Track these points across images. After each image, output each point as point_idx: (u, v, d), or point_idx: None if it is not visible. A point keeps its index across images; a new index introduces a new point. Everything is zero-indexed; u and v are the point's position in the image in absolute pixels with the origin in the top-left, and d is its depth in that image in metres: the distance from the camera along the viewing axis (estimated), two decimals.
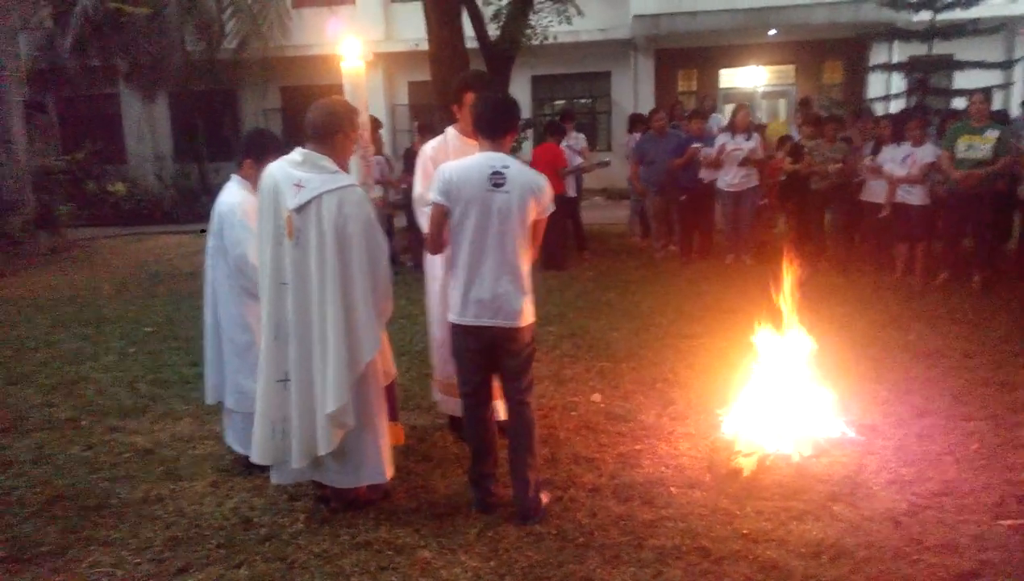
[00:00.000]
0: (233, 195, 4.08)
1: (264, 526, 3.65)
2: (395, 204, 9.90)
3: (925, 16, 13.04)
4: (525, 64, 13.28)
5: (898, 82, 15.40)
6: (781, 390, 4.37)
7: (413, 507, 3.77)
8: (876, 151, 8.33)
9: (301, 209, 3.38)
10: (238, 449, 4.21)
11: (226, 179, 4.24)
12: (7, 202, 12.12)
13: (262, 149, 4.06)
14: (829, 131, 8.69)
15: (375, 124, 9.63)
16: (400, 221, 10.22)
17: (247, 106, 19.85)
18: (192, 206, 16.25)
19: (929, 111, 11.73)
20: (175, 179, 18.72)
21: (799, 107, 11.79)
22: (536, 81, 18.75)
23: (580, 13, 12.89)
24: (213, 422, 4.83)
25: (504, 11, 11.58)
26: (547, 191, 3.52)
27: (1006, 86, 14.93)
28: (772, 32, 17.11)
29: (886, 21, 14.76)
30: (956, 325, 6.52)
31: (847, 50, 17.52)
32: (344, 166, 3.61)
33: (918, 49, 13.76)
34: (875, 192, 8.19)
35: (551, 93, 19.49)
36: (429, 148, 4.34)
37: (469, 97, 4.12)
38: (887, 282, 8.07)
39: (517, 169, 3.49)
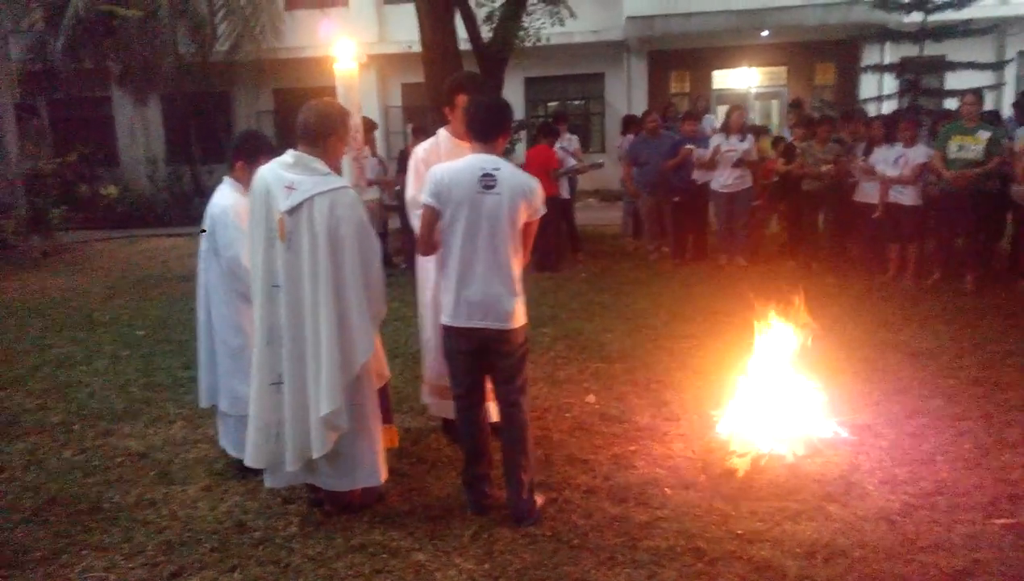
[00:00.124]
0: (226, 197, 4.07)
1: (258, 529, 3.64)
2: (390, 206, 9.89)
3: (917, 17, 13.10)
4: (518, 66, 13.29)
5: (890, 83, 15.46)
6: (774, 391, 4.38)
7: (407, 510, 3.77)
8: (868, 152, 8.36)
9: (293, 211, 3.37)
10: (232, 452, 4.20)
11: (219, 181, 4.23)
12: None
13: (254, 150, 4.05)
14: (822, 132, 8.71)
15: (370, 126, 9.62)
16: (394, 223, 10.20)
17: (240, 108, 19.81)
18: (185, 209, 16.21)
19: (922, 112, 11.77)
20: (168, 181, 18.67)
21: (790, 108, 11.82)
22: (529, 83, 18.77)
23: (573, 15, 12.91)
24: (206, 425, 4.82)
25: (497, 13, 11.58)
26: (538, 193, 3.52)
27: (997, 87, 15.00)
28: (764, 33, 17.16)
29: (878, 22, 14.82)
30: (948, 325, 6.54)
31: (839, 51, 17.58)
32: (336, 168, 3.60)
33: (910, 50, 13.83)
34: (868, 193, 8.21)
35: (544, 95, 19.50)
36: (421, 150, 4.34)
37: (461, 99, 4.12)
38: (880, 282, 8.10)
39: (508, 171, 3.48)
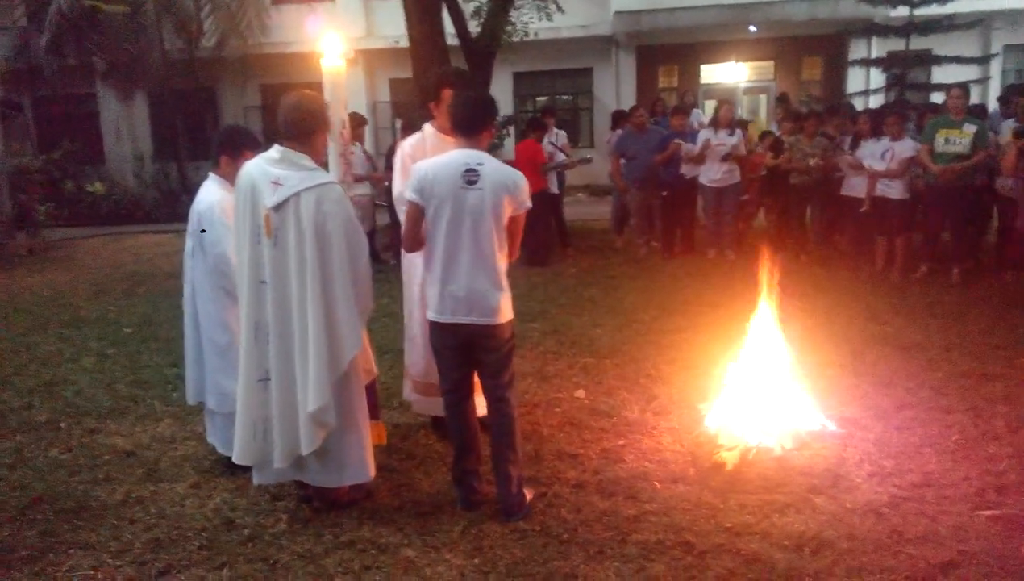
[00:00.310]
0: (211, 194, 4.04)
1: (246, 527, 3.63)
2: (379, 203, 9.88)
3: (903, 12, 13.15)
4: (506, 61, 13.26)
5: (877, 77, 15.51)
6: (763, 384, 4.39)
7: (396, 505, 3.76)
8: (855, 146, 8.39)
9: (279, 207, 3.35)
10: (220, 450, 4.18)
11: (205, 178, 4.20)
12: None
13: (238, 145, 4.03)
14: (809, 127, 8.74)
15: (360, 121, 9.61)
16: (382, 218, 10.18)
17: (227, 104, 19.71)
18: (172, 206, 16.11)
19: (909, 106, 11.82)
20: (155, 178, 18.56)
21: (777, 103, 11.85)
22: (518, 78, 18.73)
23: (560, 10, 12.89)
24: (194, 423, 4.80)
25: (484, 7, 11.55)
26: (522, 187, 3.50)
27: (983, 80, 15.08)
28: (752, 28, 17.18)
29: (864, 17, 14.87)
30: (936, 318, 6.57)
31: (826, 46, 17.62)
32: (322, 163, 3.58)
33: (896, 44, 13.87)
34: (855, 187, 8.24)
35: (533, 90, 19.48)
36: (407, 145, 4.32)
37: (447, 94, 4.11)
38: (867, 276, 8.13)
39: (491, 166, 3.47)
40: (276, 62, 17.73)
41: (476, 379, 3.72)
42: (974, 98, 12.79)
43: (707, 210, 9.47)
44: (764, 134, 10.00)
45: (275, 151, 3.45)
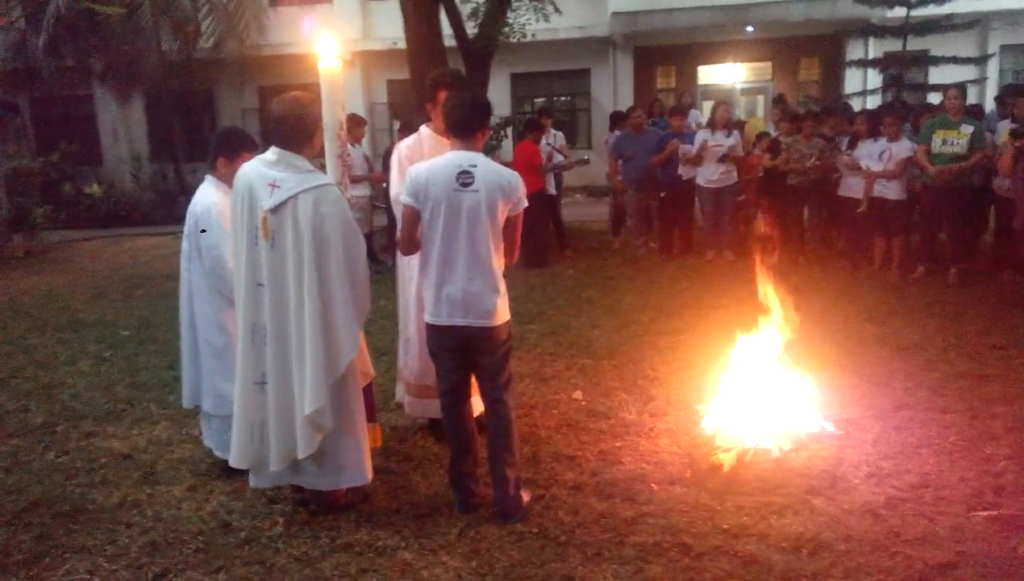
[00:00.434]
0: (208, 196, 4.04)
1: (243, 530, 3.62)
2: (377, 205, 9.88)
3: (900, 12, 13.16)
4: (504, 62, 13.25)
5: (874, 78, 15.52)
6: (760, 385, 4.39)
7: (393, 508, 3.76)
8: (852, 146, 8.39)
9: (277, 209, 3.34)
10: (217, 453, 4.17)
11: (203, 180, 4.20)
12: None
13: (235, 147, 4.03)
14: (807, 128, 8.74)
15: (359, 121, 9.62)
16: (380, 220, 10.18)
17: (224, 106, 19.69)
18: (170, 207, 16.09)
19: (906, 106, 11.83)
20: (152, 180, 18.54)
21: (774, 104, 11.85)
22: (515, 79, 18.72)
23: (558, 11, 12.87)
24: (191, 425, 4.79)
25: (482, 8, 11.54)
26: (517, 187, 3.49)
27: (981, 81, 15.09)
28: (749, 29, 17.19)
29: (861, 17, 14.88)
30: (933, 318, 6.58)
31: (823, 46, 17.64)
32: (317, 164, 3.58)
33: (893, 45, 13.88)
34: (852, 187, 8.24)
35: (531, 91, 19.47)
36: (404, 147, 4.31)
37: (443, 95, 4.10)
38: (864, 276, 8.13)
39: (485, 168, 3.46)
40: (274, 64, 17.71)
41: (473, 381, 3.71)
42: (971, 98, 12.81)
43: (705, 211, 9.48)
44: (760, 135, 10.00)
45: (272, 153, 3.44)
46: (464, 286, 3.44)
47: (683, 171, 9.31)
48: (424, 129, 4.34)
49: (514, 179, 3.50)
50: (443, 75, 4.42)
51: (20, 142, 16.71)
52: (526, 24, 12.30)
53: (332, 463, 3.56)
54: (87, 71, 17.44)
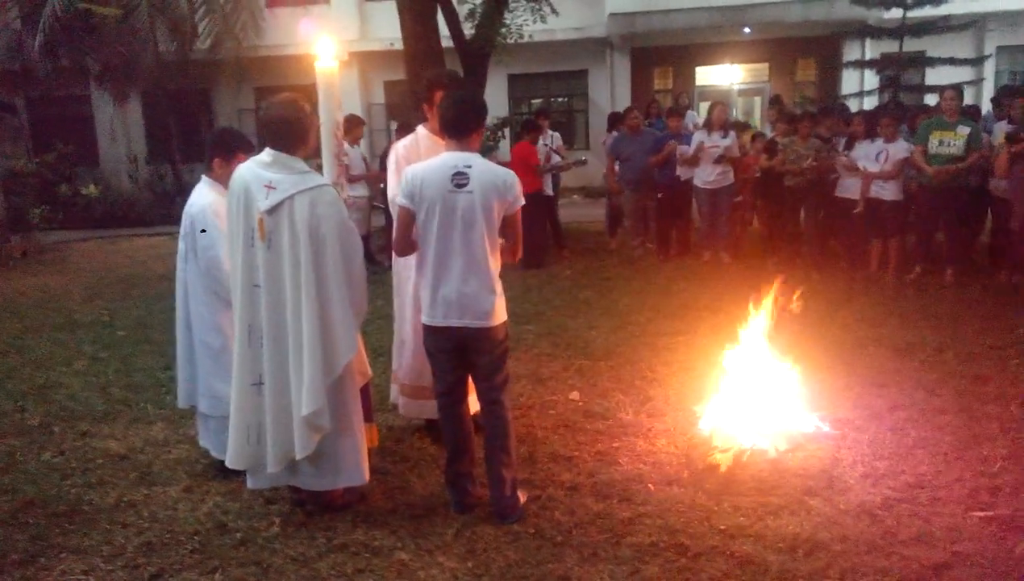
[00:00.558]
0: (204, 197, 4.03)
1: (239, 530, 3.62)
2: (375, 205, 9.88)
3: (896, 13, 13.17)
4: (501, 63, 13.25)
5: (871, 79, 15.55)
6: (757, 386, 4.39)
7: (390, 508, 3.75)
8: (849, 147, 8.40)
9: (273, 210, 3.34)
10: (214, 453, 4.16)
11: (199, 180, 4.19)
12: None
13: (231, 148, 4.02)
14: (803, 129, 8.75)
15: (358, 122, 9.62)
16: (377, 220, 10.17)
17: (221, 106, 19.68)
18: (167, 208, 16.05)
19: (903, 107, 11.85)
20: (149, 181, 18.51)
21: (771, 105, 11.87)
22: (513, 80, 18.74)
23: (555, 12, 12.88)
24: (187, 426, 4.78)
25: (479, 10, 11.55)
26: (512, 186, 3.48)
27: (977, 82, 15.12)
28: (746, 30, 17.21)
29: (858, 19, 14.90)
30: (929, 319, 6.58)
31: (820, 48, 17.67)
32: (316, 164, 3.58)
33: (890, 46, 13.90)
34: (849, 188, 8.25)
35: (528, 92, 19.48)
36: (401, 147, 4.31)
37: (439, 96, 4.09)
38: (861, 277, 8.14)
39: (480, 168, 3.46)
40: (270, 64, 17.70)
41: (470, 381, 3.71)
42: (968, 99, 12.83)
43: (702, 212, 9.48)
44: (755, 136, 10.01)
45: (267, 154, 3.43)
46: (459, 287, 3.44)
47: (681, 172, 9.32)
48: (421, 129, 4.34)
49: (509, 178, 3.49)
50: (439, 76, 4.42)
51: (17, 143, 16.67)
52: (523, 25, 12.31)
53: (330, 464, 3.56)
54: (84, 72, 17.40)
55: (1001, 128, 8.02)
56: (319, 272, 3.36)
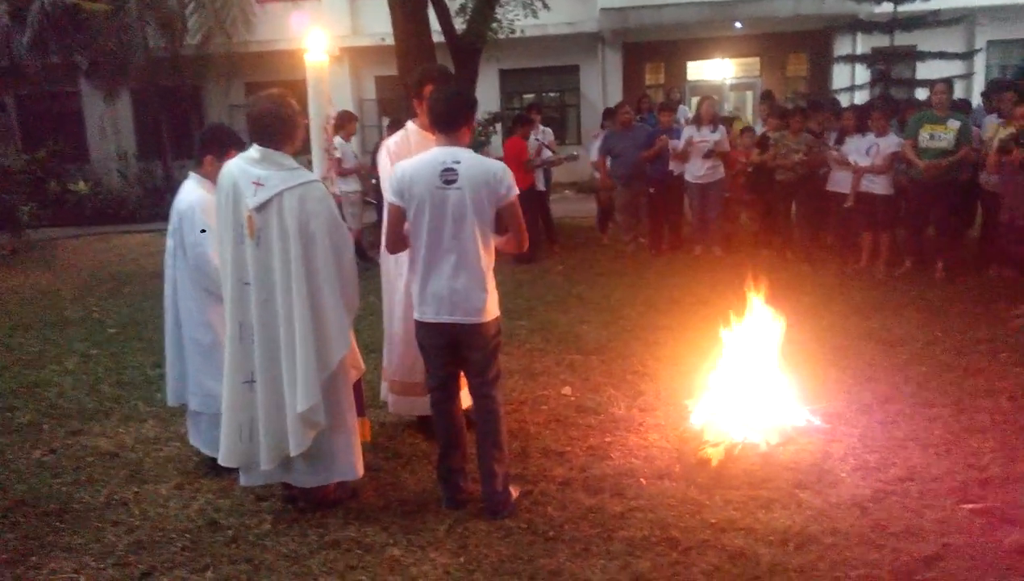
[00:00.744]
0: (192, 193, 4.01)
1: (230, 528, 3.61)
2: (367, 201, 9.87)
3: (887, 8, 13.18)
4: (492, 58, 13.24)
5: (862, 73, 15.56)
6: (748, 380, 4.40)
7: (381, 505, 3.75)
8: (839, 142, 8.41)
9: (262, 208, 3.32)
10: (205, 451, 4.14)
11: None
12: None
13: (223, 144, 4.00)
14: (795, 123, 8.75)
15: (351, 117, 9.59)
16: (369, 216, 10.14)
17: (212, 102, 19.58)
18: (157, 204, 15.96)
19: (894, 101, 11.87)
20: (139, 177, 18.41)
21: (762, 100, 11.87)
22: (504, 75, 18.70)
23: (546, 7, 12.86)
24: (178, 423, 4.77)
25: (470, 5, 11.52)
26: (503, 179, 3.44)
27: (968, 76, 15.15)
28: (738, 25, 17.22)
29: (849, 13, 14.90)
30: (920, 313, 6.61)
31: (811, 42, 17.68)
32: (306, 161, 3.56)
33: (881, 40, 13.92)
34: (839, 182, 8.27)
35: (520, 87, 19.46)
36: (392, 143, 4.30)
37: (429, 91, 4.08)
38: (852, 271, 8.17)
39: (469, 163, 3.43)
40: (261, 60, 17.62)
41: (462, 376, 3.71)
42: (958, 93, 12.87)
43: (692, 207, 9.49)
44: (744, 130, 10.02)
45: (255, 151, 3.40)
46: (450, 283, 3.43)
47: (674, 166, 9.32)
48: (411, 125, 4.33)
49: (499, 171, 3.47)
50: (430, 70, 4.41)
51: (6, 139, 16.53)
52: (515, 20, 12.29)
53: (324, 459, 3.55)
54: (73, 68, 17.29)
55: (991, 122, 8.04)
56: (309, 267, 3.35)
